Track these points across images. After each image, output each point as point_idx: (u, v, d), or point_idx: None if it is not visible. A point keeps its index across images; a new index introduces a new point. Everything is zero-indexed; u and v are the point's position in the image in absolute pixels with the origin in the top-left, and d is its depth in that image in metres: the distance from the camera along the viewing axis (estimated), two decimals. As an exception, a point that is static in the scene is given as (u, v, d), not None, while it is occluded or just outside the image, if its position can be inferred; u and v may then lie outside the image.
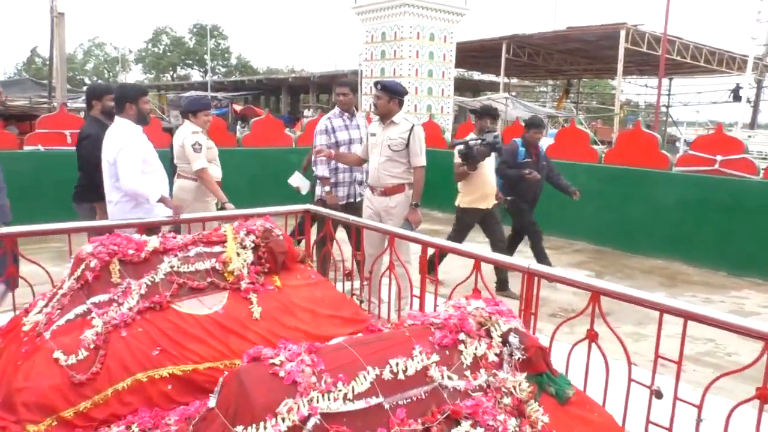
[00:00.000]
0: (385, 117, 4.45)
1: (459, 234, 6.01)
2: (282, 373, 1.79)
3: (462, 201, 5.96)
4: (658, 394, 2.48)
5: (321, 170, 5.16)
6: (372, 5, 12.78)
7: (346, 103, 5.21)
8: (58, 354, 2.42)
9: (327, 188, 5.16)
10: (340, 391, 1.80)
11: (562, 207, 8.28)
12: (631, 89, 36.89)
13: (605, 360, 2.59)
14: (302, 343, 1.92)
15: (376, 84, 4.54)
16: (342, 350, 1.95)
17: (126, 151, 3.92)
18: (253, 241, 3.21)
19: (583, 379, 2.67)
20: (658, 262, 7.44)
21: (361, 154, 4.75)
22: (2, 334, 2.81)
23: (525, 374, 2.15)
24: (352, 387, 1.82)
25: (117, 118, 4.07)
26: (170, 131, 10.53)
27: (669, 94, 31.20)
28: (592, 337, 2.62)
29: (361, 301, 3.97)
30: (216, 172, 5.09)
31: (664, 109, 32.76)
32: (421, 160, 4.44)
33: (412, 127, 4.38)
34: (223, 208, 4.82)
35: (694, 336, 4.69)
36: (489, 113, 5.96)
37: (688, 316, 2.35)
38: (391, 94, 4.38)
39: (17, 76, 42.31)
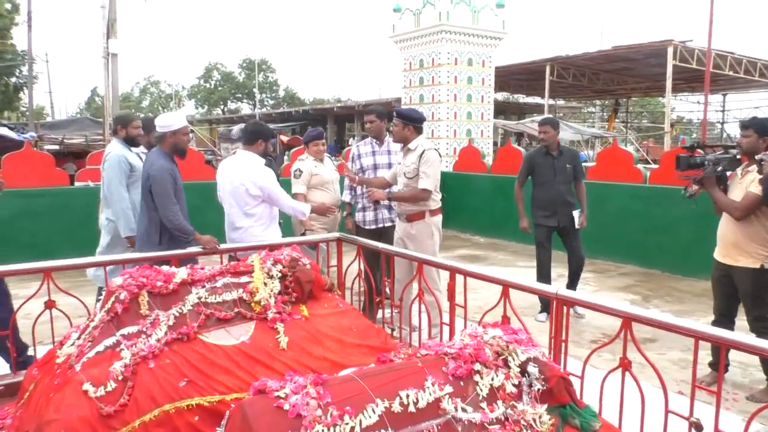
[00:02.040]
0: (403, 144, 4.46)
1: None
2: (286, 406, 1.76)
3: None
4: (698, 427, 2.34)
5: (344, 196, 5.51)
6: (409, 33, 12.85)
7: (374, 130, 5.25)
8: (87, 386, 2.47)
9: (345, 213, 5.54)
10: (347, 424, 1.76)
11: (608, 229, 8.07)
12: (684, 106, 35.96)
13: (640, 389, 2.47)
14: (308, 375, 1.89)
15: (392, 112, 4.54)
16: (350, 382, 1.91)
17: (270, 179, 4.18)
18: (280, 271, 3.23)
19: (618, 409, 2.56)
20: (710, 285, 7.07)
21: (389, 178, 4.73)
22: (38, 366, 2.89)
23: (546, 406, 2.06)
24: (360, 420, 1.77)
25: (243, 148, 4.33)
26: (210, 163, 10.92)
27: (723, 110, 30.24)
28: (625, 365, 2.51)
29: (393, 329, 3.93)
30: (323, 197, 5.23)
31: (719, 126, 31.75)
32: (424, 183, 4.28)
33: (423, 152, 4.32)
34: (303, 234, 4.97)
35: (749, 363, 4.43)
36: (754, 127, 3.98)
37: (724, 343, 2.23)
38: (405, 121, 4.37)
39: (78, 115, 44.41)
